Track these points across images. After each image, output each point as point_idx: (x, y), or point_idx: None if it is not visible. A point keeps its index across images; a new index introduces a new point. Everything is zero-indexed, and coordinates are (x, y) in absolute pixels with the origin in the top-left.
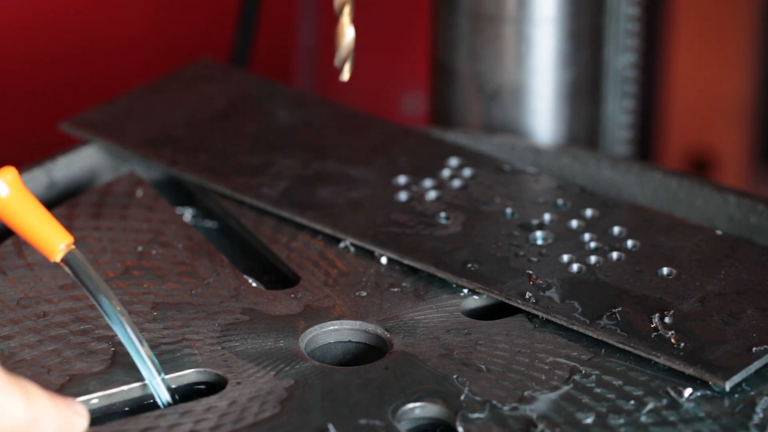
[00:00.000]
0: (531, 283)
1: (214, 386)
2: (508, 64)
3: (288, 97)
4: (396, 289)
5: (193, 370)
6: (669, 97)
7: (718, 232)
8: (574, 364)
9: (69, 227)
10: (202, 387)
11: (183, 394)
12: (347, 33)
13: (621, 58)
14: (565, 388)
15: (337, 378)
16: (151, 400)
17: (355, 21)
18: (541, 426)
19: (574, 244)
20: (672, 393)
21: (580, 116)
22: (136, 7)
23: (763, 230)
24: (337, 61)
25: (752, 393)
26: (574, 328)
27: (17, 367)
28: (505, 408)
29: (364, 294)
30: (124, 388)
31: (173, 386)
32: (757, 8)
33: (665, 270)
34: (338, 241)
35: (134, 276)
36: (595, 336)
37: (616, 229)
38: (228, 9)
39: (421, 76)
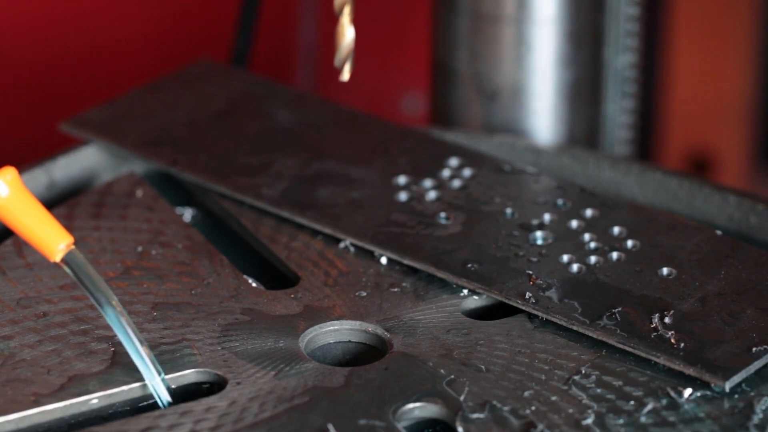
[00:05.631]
0: (531, 283)
1: (214, 386)
2: (508, 64)
3: (288, 97)
4: (396, 289)
5: (193, 370)
6: (669, 97)
7: (718, 232)
8: (574, 364)
9: (69, 227)
10: (206, 386)
11: (183, 395)
12: (347, 33)
13: (621, 58)
14: (565, 388)
15: (337, 378)
16: (151, 400)
17: (355, 21)
18: (541, 426)
19: (574, 244)
20: (672, 393)
21: (580, 116)
22: (136, 7)
23: (763, 230)
24: (337, 61)
25: (752, 393)
26: (574, 328)
27: (17, 367)
28: (505, 408)
29: (364, 294)
30: (124, 388)
31: (173, 386)
32: (757, 8)
33: (665, 270)
34: (338, 241)
35: (134, 276)
36: (595, 336)
37: (616, 229)
38: (228, 9)
39: (421, 76)
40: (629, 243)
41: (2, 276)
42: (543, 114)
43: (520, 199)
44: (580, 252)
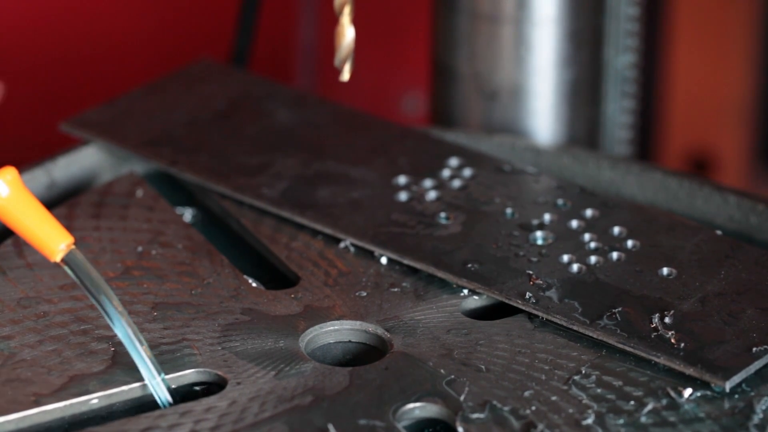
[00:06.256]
0: (531, 283)
1: (214, 386)
2: (507, 65)
3: (288, 97)
4: (396, 289)
5: (193, 370)
6: (669, 97)
7: (718, 232)
8: (574, 364)
9: (69, 227)
10: (201, 387)
11: (183, 395)
12: (347, 33)
13: (621, 58)
14: (565, 388)
15: (337, 378)
16: (152, 400)
17: (355, 21)
18: (541, 426)
19: (574, 244)
20: (672, 393)
21: (580, 116)
22: (137, 8)
23: (763, 230)
24: (337, 61)
25: (752, 393)
26: (574, 328)
27: (17, 367)
28: (505, 408)
29: (364, 294)
30: (124, 388)
31: (173, 386)
32: (757, 8)
33: (665, 270)
34: (338, 241)
35: (134, 276)
36: (595, 336)
37: (616, 229)
38: (228, 9)
39: (421, 76)
40: (629, 243)
41: (2, 276)
42: (543, 114)
43: (520, 199)
44: (580, 252)
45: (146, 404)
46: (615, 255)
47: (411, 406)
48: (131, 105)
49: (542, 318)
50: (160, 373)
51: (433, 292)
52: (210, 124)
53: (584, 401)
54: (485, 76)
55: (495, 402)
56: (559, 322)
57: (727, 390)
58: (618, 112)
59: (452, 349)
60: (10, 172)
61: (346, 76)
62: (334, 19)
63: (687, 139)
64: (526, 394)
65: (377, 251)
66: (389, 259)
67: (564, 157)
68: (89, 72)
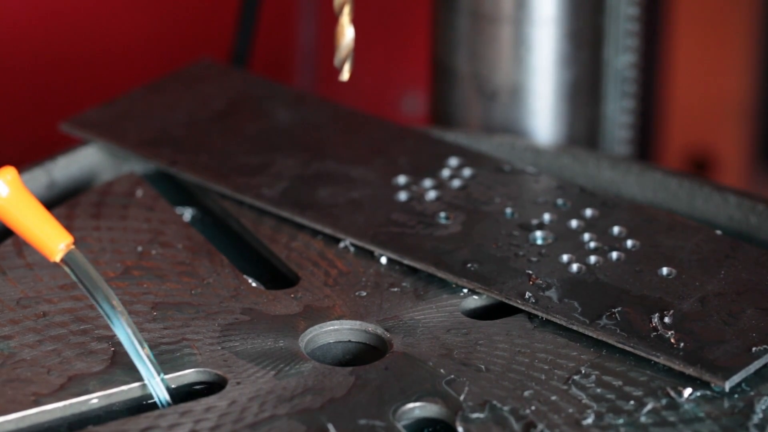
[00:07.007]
0: (531, 283)
1: (214, 386)
2: (507, 65)
3: (288, 97)
4: (396, 289)
5: (193, 370)
6: (669, 97)
7: (718, 232)
8: (573, 364)
9: (69, 227)
10: (202, 386)
11: (183, 394)
12: (347, 33)
13: (621, 58)
14: (565, 388)
15: (337, 378)
16: (151, 400)
17: (355, 21)
18: (541, 426)
19: (574, 244)
20: (672, 393)
21: (580, 116)
22: (137, 8)
23: (763, 230)
24: (337, 61)
25: (752, 393)
26: (574, 328)
27: (17, 366)
28: (505, 408)
29: (364, 294)
30: (124, 388)
31: (173, 386)
32: (757, 8)
33: (665, 270)
34: (338, 241)
35: (134, 276)
36: (594, 336)
37: (616, 229)
38: (228, 9)
39: (421, 76)
40: (629, 243)
41: (2, 276)
42: (543, 114)
43: (520, 199)
44: (580, 252)
45: (146, 404)
46: (615, 255)
47: (411, 405)
48: (131, 105)
49: (542, 318)
50: (159, 373)
51: (433, 292)
52: (210, 124)
53: (584, 401)
54: (485, 76)
55: (495, 402)
56: (559, 322)
57: (727, 390)
58: (618, 112)
59: (452, 349)
60: (10, 172)
61: (345, 76)
62: (334, 19)
63: (687, 139)
64: (526, 393)
65: (377, 251)
66: (389, 259)
67: (564, 157)
68: (89, 72)
